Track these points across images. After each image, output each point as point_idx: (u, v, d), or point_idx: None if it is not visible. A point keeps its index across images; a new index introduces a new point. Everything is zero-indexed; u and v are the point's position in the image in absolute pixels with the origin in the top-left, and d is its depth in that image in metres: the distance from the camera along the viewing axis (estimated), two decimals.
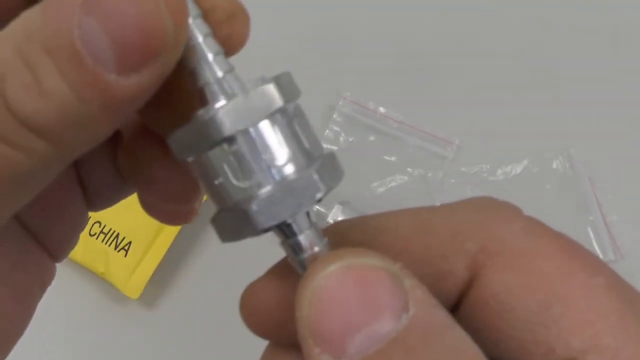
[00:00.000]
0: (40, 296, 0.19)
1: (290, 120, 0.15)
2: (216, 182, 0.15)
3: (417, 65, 0.55)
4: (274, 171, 0.14)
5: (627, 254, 0.48)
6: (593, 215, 0.49)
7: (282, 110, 0.15)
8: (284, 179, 0.14)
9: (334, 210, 0.48)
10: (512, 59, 0.55)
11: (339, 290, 0.13)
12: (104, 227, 0.47)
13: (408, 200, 0.50)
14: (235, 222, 0.15)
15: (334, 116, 0.52)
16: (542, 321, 0.14)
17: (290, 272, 0.16)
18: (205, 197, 0.24)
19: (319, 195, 0.15)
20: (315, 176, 0.14)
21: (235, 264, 0.52)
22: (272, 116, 0.15)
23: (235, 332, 0.50)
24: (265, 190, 0.14)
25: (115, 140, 0.20)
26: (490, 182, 0.49)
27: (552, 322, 0.14)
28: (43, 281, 0.19)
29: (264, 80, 0.15)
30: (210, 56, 0.15)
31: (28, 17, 0.13)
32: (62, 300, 0.47)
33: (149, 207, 0.19)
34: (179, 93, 0.16)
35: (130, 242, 0.47)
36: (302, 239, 0.15)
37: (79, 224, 0.20)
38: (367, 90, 0.53)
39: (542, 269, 0.14)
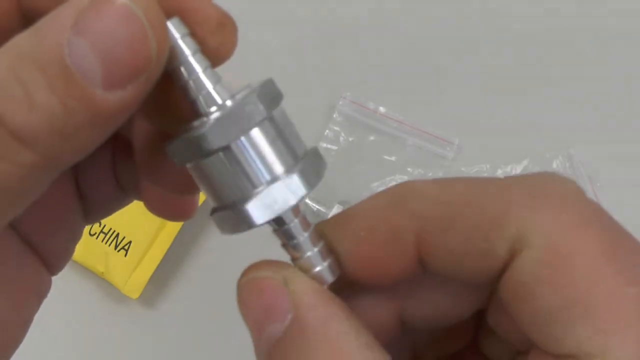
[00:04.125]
0: (38, 307, 0.20)
1: (277, 124, 0.16)
2: (214, 184, 0.16)
3: (417, 65, 0.55)
4: (265, 172, 0.16)
5: None
6: None
7: (269, 117, 0.16)
8: (274, 178, 0.16)
9: (334, 210, 0.48)
10: (512, 59, 0.55)
11: (246, 298, 0.16)
12: (104, 227, 0.47)
13: None
14: (233, 219, 0.16)
15: (334, 116, 0.52)
16: (560, 318, 0.14)
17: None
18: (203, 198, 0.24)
19: (305, 193, 0.16)
20: (299, 175, 0.16)
21: (235, 264, 0.52)
22: (260, 123, 0.16)
23: (235, 331, 0.50)
24: (259, 190, 0.16)
25: (113, 151, 0.21)
26: None
27: (569, 322, 0.14)
28: (40, 293, 0.20)
29: (252, 90, 0.16)
30: (199, 71, 0.16)
31: (20, 39, 0.14)
32: (62, 300, 0.47)
33: (155, 201, 0.20)
34: (176, 102, 0.17)
35: (130, 242, 0.47)
36: (293, 227, 0.17)
37: (76, 236, 0.21)
38: (367, 90, 0.53)
39: (574, 269, 0.14)
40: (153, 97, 0.16)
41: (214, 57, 0.16)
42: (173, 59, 0.16)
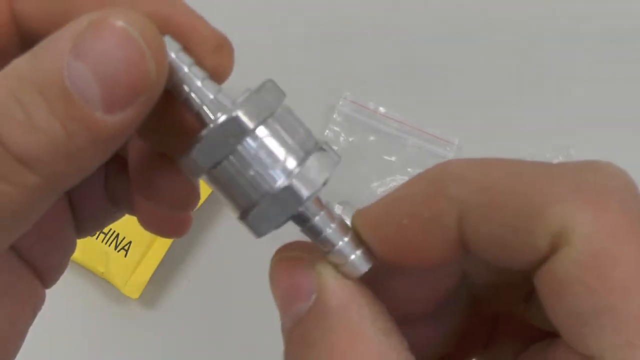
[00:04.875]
0: (32, 320, 0.20)
1: (282, 120, 0.16)
2: (231, 190, 0.16)
3: (417, 65, 0.55)
4: (279, 171, 0.16)
5: None
6: None
7: (272, 114, 0.16)
8: (288, 173, 0.16)
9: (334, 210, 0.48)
10: (512, 59, 0.55)
11: (275, 277, 0.17)
12: None
13: None
14: (256, 221, 0.17)
15: (334, 116, 0.52)
16: (589, 322, 0.14)
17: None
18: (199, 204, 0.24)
19: (322, 183, 0.17)
20: (313, 166, 0.16)
21: (235, 264, 0.52)
22: (264, 121, 0.16)
23: (235, 331, 0.51)
24: (277, 185, 0.16)
25: (106, 166, 0.21)
26: None
27: (597, 328, 0.14)
28: (34, 305, 0.20)
29: (253, 91, 0.16)
30: (198, 83, 0.16)
31: (19, 62, 0.14)
32: (62, 300, 0.47)
33: (148, 217, 0.21)
34: (174, 118, 0.17)
35: (130, 242, 0.47)
36: (318, 221, 0.17)
37: (69, 250, 0.21)
38: (367, 90, 0.53)
39: (612, 276, 0.14)
40: (148, 118, 0.16)
41: (212, 76, 0.16)
42: (172, 75, 0.16)
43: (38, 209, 0.15)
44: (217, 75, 0.16)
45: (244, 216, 0.17)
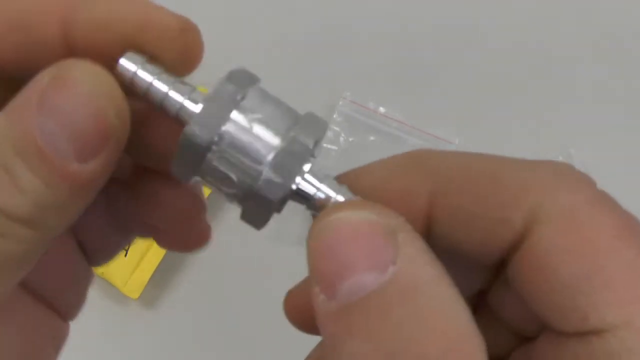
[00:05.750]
0: (56, 355, 0.20)
1: (257, 101, 0.16)
2: (225, 184, 0.16)
3: (417, 65, 0.55)
4: (263, 150, 0.16)
5: None
6: None
7: (244, 97, 0.16)
8: (276, 153, 0.16)
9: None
10: (512, 59, 0.55)
11: (339, 236, 0.14)
12: None
13: None
14: (255, 210, 0.16)
15: (334, 116, 0.52)
16: (581, 289, 0.14)
17: None
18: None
19: (311, 149, 0.16)
20: (302, 137, 0.16)
21: (235, 265, 0.52)
22: (237, 105, 0.16)
23: (235, 332, 0.51)
24: (264, 167, 0.16)
25: (105, 195, 0.21)
26: None
27: (591, 292, 0.14)
28: (57, 340, 0.20)
29: (220, 79, 0.16)
30: (168, 89, 0.16)
31: None
32: None
33: (163, 235, 0.21)
34: (157, 129, 0.18)
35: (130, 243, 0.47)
36: (317, 197, 0.16)
37: (85, 282, 0.22)
38: (367, 90, 0.53)
39: (593, 240, 0.15)
40: (132, 138, 0.16)
41: (183, 62, 0.17)
42: (141, 90, 0.16)
43: (35, 254, 0.16)
44: (187, 58, 0.17)
45: (241, 217, 0.17)
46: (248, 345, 0.48)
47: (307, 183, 0.16)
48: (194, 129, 0.16)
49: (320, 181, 0.16)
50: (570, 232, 0.15)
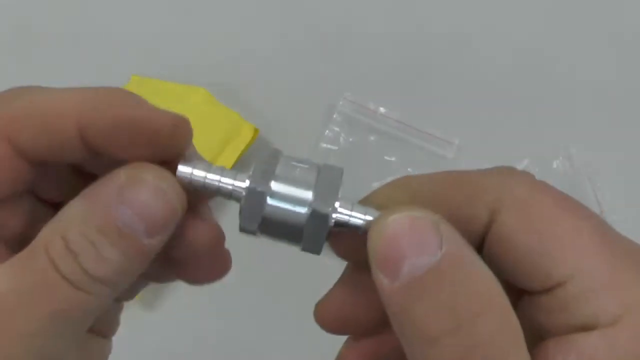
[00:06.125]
0: None
1: (286, 169, 0.21)
2: (279, 237, 0.21)
3: (417, 65, 0.55)
4: (302, 200, 0.21)
5: None
6: None
7: (275, 168, 0.21)
8: (309, 204, 0.21)
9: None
10: (512, 59, 0.55)
11: (396, 231, 0.18)
12: None
13: None
14: (309, 249, 0.21)
15: (334, 116, 0.52)
16: (539, 253, 0.19)
17: (351, 282, 0.23)
18: None
19: (334, 201, 0.21)
20: (328, 195, 0.21)
21: (235, 265, 0.52)
22: (275, 176, 0.21)
23: (235, 332, 0.51)
24: (304, 213, 0.21)
25: None
26: None
27: (546, 253, 0.19)
28: (106, 356, 0.25)
29: (254, 166, 0.21)
30: (219, 179, 0.21)
31: (76, 207, 0.20)
32: None
33: (187, 270, 0.25)
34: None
35: None
36: (355, 221, 0.21)
37: (118, 310, 0.26)
38: (367, 90, 0.53)
39: (540, 215, 0.19)
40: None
41: (174, 146, 0.21)
42: (198, 185, 0.21)
43: (108, 305, 0.21)
44: (178, 146, 0.21)
45: (301, 245, 0.21)
46: (248, 346, 0.48)
47: (342, 215, 0.21)
48: (243, 224, 0.21)
49: (350, 210, 0.21)
50: (522, 215, 0.19)
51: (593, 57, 0.55)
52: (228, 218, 0.46)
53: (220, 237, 0.24)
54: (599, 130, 0.52)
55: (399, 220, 0.19)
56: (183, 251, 0.23)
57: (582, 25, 0.56)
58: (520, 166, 0.50)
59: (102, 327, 0.24)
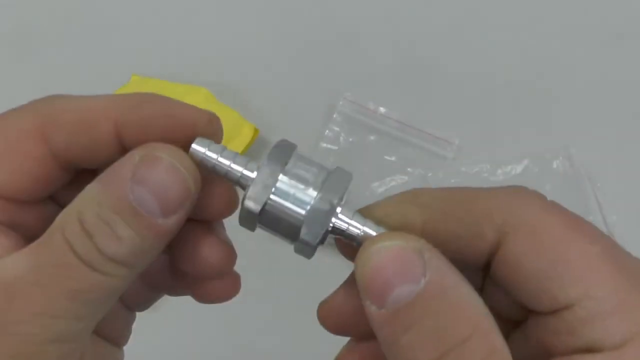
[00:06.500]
0: None
1: (296, 166, 0.21)
2: (277, 231, 0.21)
3: (417, 65, 0.55)
4: (306, 199, 0.21)
5: None
6: (593, 215, 0.48)
7: (287, 163, 0.21)
8: (311, 202, 0.21)
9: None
10: (512, 59, 0.55)
11: (381, 261, 0.19)
12: None
13: None
14: (303, 249, 0.21)
15: (334, 116, 0.52)
16: (548, 276, 0.19)
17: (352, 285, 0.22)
18: None
19: (336, 203, 0.21)
20: (332, 196, 0.21)
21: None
22: (284, 170, 0.21)
23: (235, 333, 0.51)
24: (305, 213, 0.21)
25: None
26: (491, 182, 0.49)
27: (555, 277, 0.19)
28: None
29: (268, 153, 0.21)
30: (229, 164, 0.21)
31: (92, 190, 0.20)
32: None
33: (200, 289, 0.25)
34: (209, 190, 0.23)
35: None
36: (352, 230, 0.21)
37: (131, 320, 0.27)
38: (367, 90, 0.53)
39: (550, 239, 0.19)
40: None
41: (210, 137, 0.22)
42: (208, 166, 0.21)
43: (125, 287, 0.21)
44: (216, 136, 0.22)
45: (296, 243, 0.21)
46: (248, 346, 0.48)
47: (341, 221, 0.21)
48: (248, 204, 0.21)
49: (350, 218, 0.21)
50: (531, 240, 0.19)
51: (593, 57, 0.55)
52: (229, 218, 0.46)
53: (232, 258, 0.24)
54: (599, 130, 0.52)
55: (384, 250, 0.19)
56: (196, 266, 0.23)
57: (582, 25, 0.56)
58: (520, 166, 0.50)
59: (115, 335, 0.25)
